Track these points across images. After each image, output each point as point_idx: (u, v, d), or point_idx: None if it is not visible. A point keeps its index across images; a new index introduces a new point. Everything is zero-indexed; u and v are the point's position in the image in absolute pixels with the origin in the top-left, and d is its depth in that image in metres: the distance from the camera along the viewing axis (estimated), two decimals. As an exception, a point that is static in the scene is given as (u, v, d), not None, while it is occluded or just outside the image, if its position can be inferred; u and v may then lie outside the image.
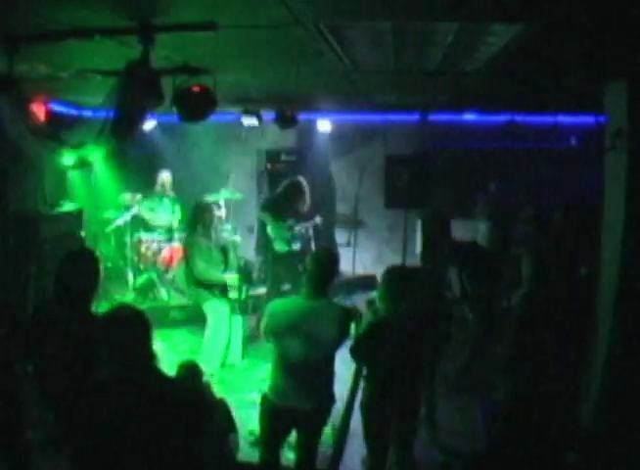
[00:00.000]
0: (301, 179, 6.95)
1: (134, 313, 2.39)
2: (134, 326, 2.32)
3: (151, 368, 2.33)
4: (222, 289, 5.51)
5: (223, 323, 5.51)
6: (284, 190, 6.93)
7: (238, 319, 5.76)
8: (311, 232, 7.35)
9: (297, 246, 7.00)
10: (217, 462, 3.37)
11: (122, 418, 2.19)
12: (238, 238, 7.95)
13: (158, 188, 7.82)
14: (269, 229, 6.85)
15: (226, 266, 5.64)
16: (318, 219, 7.15)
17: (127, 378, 2.25)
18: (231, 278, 5.60)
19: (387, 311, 3.55)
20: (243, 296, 5.77)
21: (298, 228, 7.02)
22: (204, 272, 5.33)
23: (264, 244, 7.23)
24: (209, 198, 7.47)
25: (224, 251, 5.71)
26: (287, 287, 6.89)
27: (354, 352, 3.50)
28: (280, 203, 6.89)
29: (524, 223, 6.79)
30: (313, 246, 7.27)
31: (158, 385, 2.32)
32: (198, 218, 5.49)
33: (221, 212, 7.76)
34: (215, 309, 5.52)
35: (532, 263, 5.21)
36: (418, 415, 3.66)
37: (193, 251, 5.38)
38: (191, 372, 3.68)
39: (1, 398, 3.90)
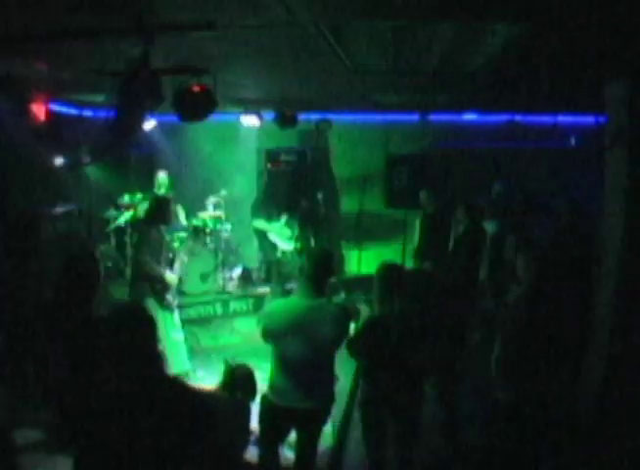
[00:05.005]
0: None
1: (140, 311, 2.37)
2: (140, 324, 2.29)
3: (156, 368, 2.32)
4: (163, 287, 5.37)
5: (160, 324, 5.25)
6: (264, 186, 6.99)
7: (176, 323, 5.55)
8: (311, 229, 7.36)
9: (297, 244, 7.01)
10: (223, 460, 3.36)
11: (124, 419, 2.18)
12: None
13: (155, 190, 7.82)
14: (270, 235, 6.84)
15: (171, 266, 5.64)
16: (304, 203, 7.12)
17: (131, 378, 2.23)
18: (172, 277, 5.49)
19: (380, 309, 3.56)
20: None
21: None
22: (148, 263, 5.24)
23: (268, 248, 7.19)
24: (212, 199, 7.51)
25: (173, 253, 5.67)
26: (291, 286, 6.89)
27: (348, 349, 3.51)
28: (263, 199, 6.89)
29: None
30: (313, 242, 7.28)
31: (161, 385, 2.31)
32: (157, 212, 5.42)
33: (221, 213, 7.77)
34: (154, 309, 5.24)
35: (532, 261, 5.19)
36: (416, 416, 3.65)
37: (143, 241, 5.34)
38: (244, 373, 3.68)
39: None
